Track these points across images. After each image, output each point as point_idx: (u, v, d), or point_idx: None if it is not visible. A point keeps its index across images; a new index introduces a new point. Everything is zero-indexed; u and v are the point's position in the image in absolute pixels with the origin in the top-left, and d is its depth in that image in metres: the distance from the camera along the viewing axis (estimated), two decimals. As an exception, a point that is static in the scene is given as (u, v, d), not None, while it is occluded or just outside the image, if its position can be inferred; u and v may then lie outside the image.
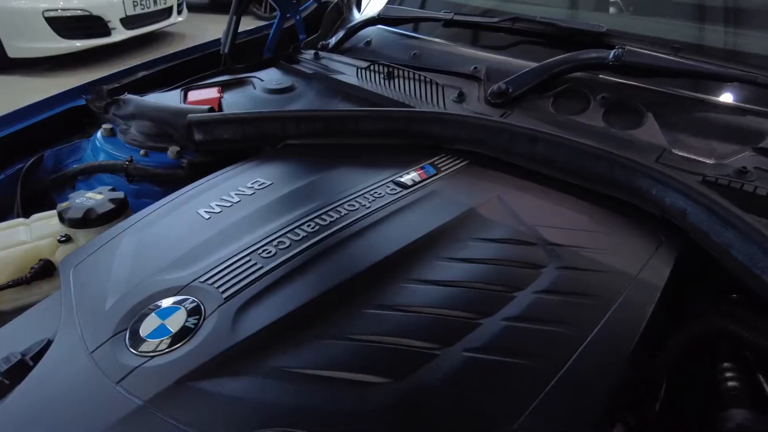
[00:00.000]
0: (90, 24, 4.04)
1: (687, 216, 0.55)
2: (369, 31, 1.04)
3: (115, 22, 4.15)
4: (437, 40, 0.94)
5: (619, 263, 0.51)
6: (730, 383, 0.53)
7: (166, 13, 4.64)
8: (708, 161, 0.64)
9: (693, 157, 0.65)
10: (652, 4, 0.87)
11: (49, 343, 0.48)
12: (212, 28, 5.71)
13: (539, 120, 0.74)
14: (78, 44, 4.02)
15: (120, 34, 4.21)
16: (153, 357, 0.43)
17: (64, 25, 3.92)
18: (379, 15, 1.02)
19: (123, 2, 4.15)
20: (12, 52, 3.90)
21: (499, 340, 0.42)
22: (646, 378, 0.55)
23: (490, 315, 0.45)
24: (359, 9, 1.17)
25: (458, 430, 0.37)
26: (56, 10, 3.85)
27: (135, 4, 4.24)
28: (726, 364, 0.54)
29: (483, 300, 0.46)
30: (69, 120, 0.93)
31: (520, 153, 0.67)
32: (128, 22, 4.25)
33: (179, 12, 4.78)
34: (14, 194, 0.84)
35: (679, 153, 0.66)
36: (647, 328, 0.44)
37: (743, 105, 0.67)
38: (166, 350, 0.43)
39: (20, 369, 0.46)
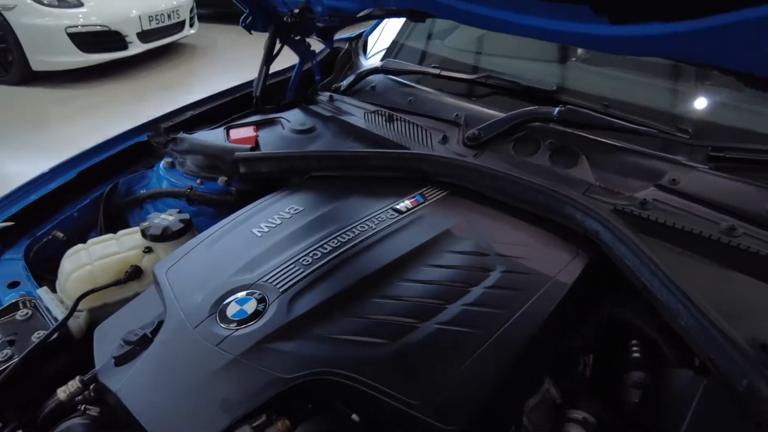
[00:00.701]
0: (108, 39, 4.28)
1: (599, 235, 0.77)
2: (374, 77, 1.27)
3: (132, 37, 4.38)
4: (428, 89, 1.17)
5: (544, 268, 0.73)
6: (635, 354, 0.76)
7: (180, 26, 4.87)
8: (622, 194, 0.87)
9: (612, 190, 0.88)
10: (589, 74, 1.10)
11: (161, 323, 0.71)
12: (221, 38, 5.94)
13: (502, 160, 0.97)
14: (97, 58, 4.26)
15: (136, 48, 4.45)
16: (237, 330, 0.66)
17: (84, 40, 4.16)
18: (381, 66, 1.26)
19: (139, 18, 4.38)
20: (36, 65, 4.15)
21: (457, 318, 0.65)
22: (571, 349, 0.79)
23: (452, 302, 0.68)
24: (365, 54, 1.41)
25: (428, 368, 0.60)
26: (77, 26, 4.09)
27: (150, 19, 4.48)
28: (634, 341, 0.78)
29: (449, 293, 0.69)
30: (135, 153, 1.16)
31: (485, 187, 0.90)
32: (144, 36, 4.49)
33: (191, 25, 5.02)
34: (97, 214, 1.08)
35: (602, 187, 0.89)
36: (556, 311, 0.67)
37: (650, 151, 0.89)
38: (246, 325, 0.66)
39: (144, 340, 0.69)
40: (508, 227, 0.83)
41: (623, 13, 0.62)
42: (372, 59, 1.39)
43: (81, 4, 4.12)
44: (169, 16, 4.66)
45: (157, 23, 4.56)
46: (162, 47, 4.81)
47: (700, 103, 0.98)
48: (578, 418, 0.67)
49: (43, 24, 4.00)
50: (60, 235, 1.01)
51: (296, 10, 1.13)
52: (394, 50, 1.36)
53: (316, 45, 1.39)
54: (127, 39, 4.36)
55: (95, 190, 1.09)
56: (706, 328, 0.60)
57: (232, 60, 4.05)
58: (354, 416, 0.60)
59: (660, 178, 0.86)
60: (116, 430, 0.67)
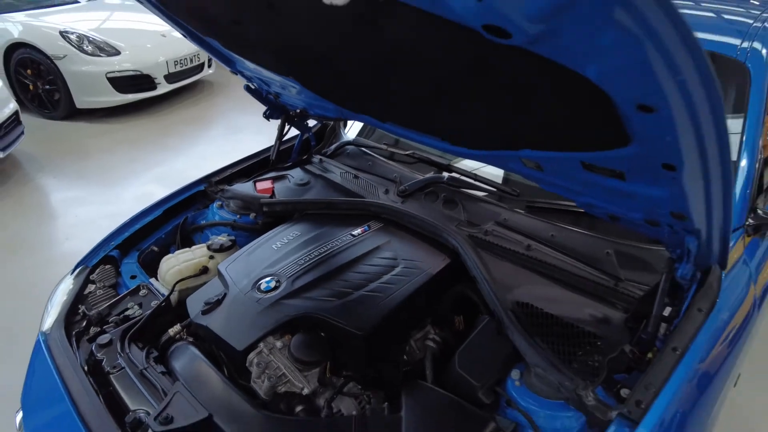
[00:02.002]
0: (140, 81, 5.00)
1: (458, 249, 1.44)
2: (349, 147, 1.96)
3: (160, 79, 5.11)
4: (380, 158, 1.85)
5: (425, 265, 1.40)
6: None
7: (200, 67, 5.61)
8: (477, 226, 1.53)
9: (472, 223, 1.55)
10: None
11: (225, 294, 1.38)
12: (234, 77, 6.68)
13: (417, 205, 1.64)
14: (130, 97, 4.99)
15: (164, 88, 5.18)
16: (265, 295, 1.33)
17: (120, 82, 4.88)
18: (353, 141, 1.95)
19: (166, 62, 5.12)
20: (79, 104, 4.87)
21: (376, 288, 1.31)
22: (443, 312, 1.45)
23: (374, 281, 1.32)
24: (345, 129, 2.10)
25: (357, 311, 1.27)
26: (115, 71, 4.82)
27: (176, 63, 5.21)
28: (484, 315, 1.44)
29: (374, 276, 1.35)
30: (197, 197, 1.84)
31: (404, 221, 1.56)
32: (170, 77, 5.22)
33: (209, 65, 5.75)
34: (175, 236, 1.75)
35: (467, 221, 1.55)
36: (426, 284, 1.33)
37: (494, 202, 1.56)
38: (270, 293, 1.33)
39: (217, 302, 1.36)
40: (411, 243, 1.51)
41: (467, 144, 1.28)
42: (349, 133, 2.09)
43: (118, 53, 4.86)
44: (191, 60, 5.40)
45: (181, 66, 5.29)
46: (185, 86, 5.55)
47: (522, 179, 1.66)
48: (429, 336, 1.34)
49: (88, 70, 4.73)
50: (155, 248, 1.69)
51: (298, 110, 1.83)
52: (364, 131, 2.06)
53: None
54: (156, 81, 5.09)
55: (174, 221, 1.77)
56: (490, 294, 1.27)
57: (243, 97, 4.81)
58: (321, 334, 1.27)
59: (498, 218, 1.53)
60: (200, 343, 1.34)
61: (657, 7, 0.51)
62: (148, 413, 1.11)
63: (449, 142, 1.30)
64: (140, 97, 5.05)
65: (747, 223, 1.41)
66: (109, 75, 4.77)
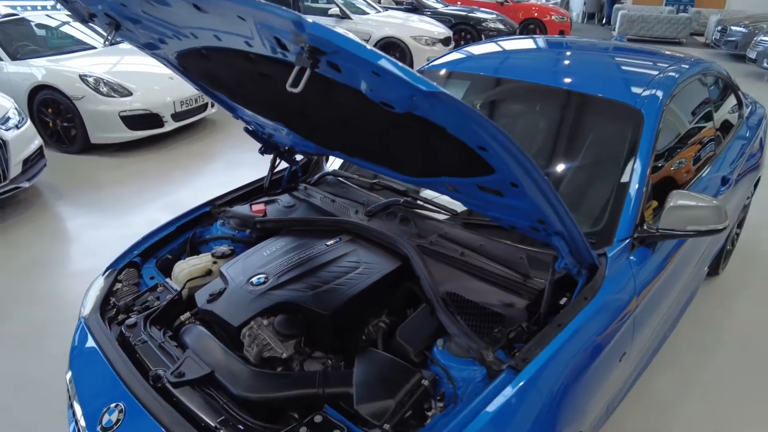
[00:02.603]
0: (149, 119, 5.48)
1: (409, 256, 1.83)
2: (329, 177, 2.38)
3: (167, 117, 5.59)
4: (352, 185, 2.26)
5: (380, 267, 1.78)
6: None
7: (204, 107, 6.10)
8: (425, 238, 1.92)
9: (421, 236, 1.94)
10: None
11: (225, 288, 1.77)
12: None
13: (380, 222, 2.03)
14: (140, 134, 5.45)
15: (170, 126, 5.65)
16: (256, 287, 1.71)
17: (131, 120, 5.36)
18: (332, 172, 2.38)
19: (173, 102, 5.61)
20: (94, 139, 5.33)
21: (341, 283, 1.69)
22: (396, 305, 1.84)
23: (341, 278, 1.71)
24: (327, 162, 2.52)
25: (326, 299, 1.65)
26: (127, 110, 5.30)
27: (182, 103, 5.70)
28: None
29: (340, 274, 1.73)
30: (204, 216, 2.24)
31: (369, 234, 1.96)
32: (177, 116, 5.70)
33: (212, 105, 6.25)
34: (186, 247, 2.15)
35: (418, 234, 1.95)
36: (380, 280, 1.71)
37: (439, 219, 1.96)
38: (260, 286, 1.71)
39: (219, 293, 1.74)
40: (372, 251, 1.90)
41: (409, 174, 1.70)
42: (332, 166, 2.51)
43: (130, 94, 5.35)
44: (195, 101, 5.89)
45: (186, 106, 5.79)
46: (190, 124, 6.04)
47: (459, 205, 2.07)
48: (382, 320, 1.72)
49: (102, 109, 5.20)
50: (169, 256, 2.08)
51: (287, 147, 2.26)
52: (345, 163, 2.49)
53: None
54: (164, 119, 5.57)
55: (185, 235, 2.17)
56: (427, 287, 1.66)
57: (241, 135, 5.29)
58: (300, 317, 1.65)
59: (441, 231, 1.93)
60: (205, 325, 1.71)
61: (453, 102, 0.93)
62: (165, 371, 1.49)
63: (398, 172, 1.73)
64: (149, 133, 5.51)
65: (634, 235, 1.81)
66: (121, 114, 5.25)
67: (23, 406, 2.35)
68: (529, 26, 12.43)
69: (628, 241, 1.79)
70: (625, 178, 1.90)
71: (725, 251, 3.25)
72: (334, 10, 9.19)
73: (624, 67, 2.53)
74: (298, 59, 0.98)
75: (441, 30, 9.30)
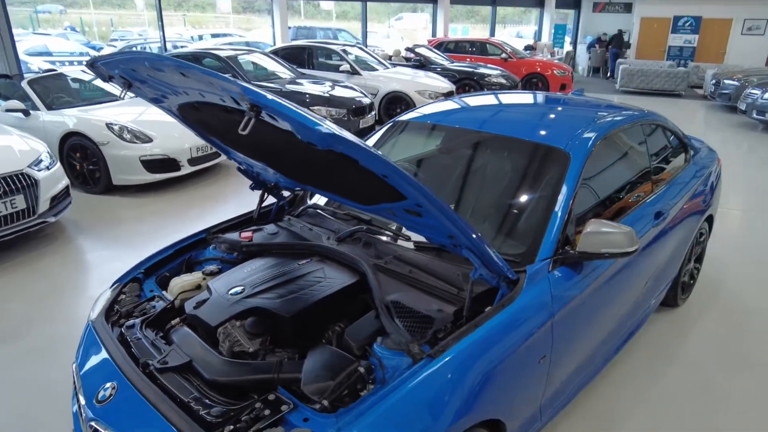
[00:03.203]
0: (167, 163, 5.99)
1: (366, 272, 2.17)
2: (309, 210, 2.76)
3: (184, 162, 6.10)
4: (327, 216, 2.64)
5: (341, 281, 2.11)
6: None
7: (218, 154, 6.63)
8: (381, 258, 2.26)
9: (379, 257, 2.28)
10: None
11: (208, 298, 2.12)
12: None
13: (346, 246, 2.38)
14: (159, 176, 5.95)
15: (186, 170, 6.15)
16: (236, 296, 2.05)
17: (151, 164, 5.87)
18: (311, 205, 2.76)
19: (190, 149, 6.13)
20: (116, 181, 5.83)
21: (306, 292, 2.02)
22: (354, 314, 2.17)
23: (306, 289, 2.05)
24: (311, 197, 2.91)
25: (290, 304, 1.99)
26: (147, 155, 5.82)
27: (198, 149, 6.22)
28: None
29: (307, 286, 2.07)
30: (199, 242, 2.63)
31: (336, 256, 2.31)
32: (192, 161, 6.21)
33: (226, 151, 6.77)
34: (182, 267, 2.52)
35: (375, 255, 2.29)
36: (339, 291, 2.04)
37: (394, 243, 2.30)
38: (238, 294, 2.05)
39: (204, 301, 2.09)
40: (336, 269, 2.24)
41: (358, 201, 2.07)
42: (313, 200, 2.90)
43: (151, 140, 5.88)
44: (210, 147, 6.41)
45: (202, 152, 6.30)
46: (205, 168, 6.55)
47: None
48: (339, 324, 2.04)
49: (125, 154, 5.73)
50: (167, 274, 2.45)
51: (272, 184, 2.67)
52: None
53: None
54: (180, 163, 6.07)
55: (182, 257, 2.55)
56: (376, 297, 1.99)
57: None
58: (267, 320, 1.99)
59: (395, 253, 2.27)
60: (192, 328, 2.06)
61: (349, 140, 1.31)
62: (152, 361, 1.83)
63: (353, 201, 2.10)
64: (167, 176, 6.01)
65: (554, 256, 2.13)
66: (142, 158, 5.77)
67: (41, 408, 2.69)
68: (532, 80, 13.03)
69: (548, 260, 2.11)
70: (550, 209, 2.24)
71: (680, 283, 3.50)
72: (345, 66, 9.87)
73: (564, 117, 2.91)
74: (246, 112, 1.38)
75: (444, 85, 9.88)
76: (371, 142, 3.09)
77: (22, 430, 2.56)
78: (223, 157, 6.70)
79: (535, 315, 1.98)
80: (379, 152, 1.41)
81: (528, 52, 15.78)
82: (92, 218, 5.21)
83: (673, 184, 3.11)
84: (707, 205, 3.47)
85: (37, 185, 4.28)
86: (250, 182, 2.75)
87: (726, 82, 11.31)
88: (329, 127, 1.31)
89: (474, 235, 1.69)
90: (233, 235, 2.61)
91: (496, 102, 3.33)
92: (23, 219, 4.22)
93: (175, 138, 6.06)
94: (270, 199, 2.82)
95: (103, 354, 1.91)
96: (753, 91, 9.45)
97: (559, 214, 2.22)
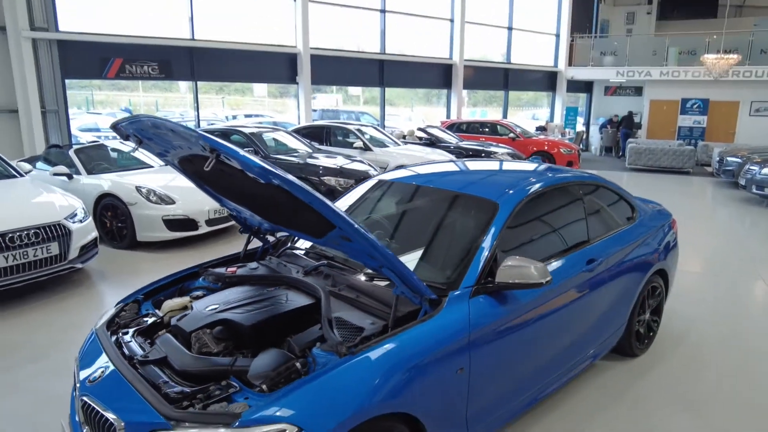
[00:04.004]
0: (187, 223, 6.63)
1: (321, 296, 2.60)
2: (288, 251, 3.25)
3: (202, 222, 6.73)
4: (301, 255, 3.11)
5: (298, 303, 2.53)
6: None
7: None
8: (336, 286, 2.70)
9: (335, 284, 2.71)
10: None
11: (189, 313, 2.58)
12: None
13: (311, 278, 2.83)
14: (178, 234, 6.57)
15: (204, 229, 6.77)
16: (216, 312, 2.51)
17: (172, 223, 6.52)
18: (290, 247, 3.26)
19: (208, 211, 6.78)
20: (140, 237, 6.48)
21: (268, 308, 2.45)
22: (306, 325, 2.59)
23: (269, 307, 2.50)
24: (293, 243, 3.41)
25: (254, 318, 2.43)
26: (169, 215, 6.49)
27: (215, 212, 6.87)
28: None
29: (270, 304, 2.53)
30: (192, 275, 3.12)
31: (298, 285, 2.76)
32: (210, 222, 6.85)
33: (242, 214, 7.42)
34: (176, 294, 3.01)
35: (332, 284, 2.71)
36: (290, 312, 2.46)
37: (350, 274, 2.74)
38: (219, 311, 2.51)
39: (184, 315, 2.56)
40: (297, 294, 2.69)
41: (312, 235, 2.56)
42: (292, 243, 3.40)
43: (174, 202, 6.57)
44: (226, 210, 7.06)
45: (219, 215, 6.94)
46: (221, 228, 7.17)
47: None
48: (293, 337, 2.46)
49: (150, 213, 6.41)
50: (162, 298, 2.94)
51: (257, 228, 3.19)
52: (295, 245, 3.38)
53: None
54: (199, 224, 6.70)
55: (177, 286, 3.04)
56: (324, 315, 2.41)
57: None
58: (232, 329, 2.43)
59: (348, 282, 2.71)
60: (174, 336, 2.50)
61: (278, 173, 1.82)
62: (137, 356, 2.28)
63: (310, 236, 2.59)
64: (185, 235, 6.64)
65: (475, 285, 2.53)
66: (164, 217, 6.44)
67: (57, 414, 3.11)
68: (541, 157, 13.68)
69: (470, 288, 2.52)
70: (477, 246, 2.67)
71: (634, 333, 3.77)
72: (359, 143, 10.71)
73: (503, 177, 3.41)
74: (209, 155, 1.93)
75: (446, 159, 10.57)
76: (358, 192, 3.62)
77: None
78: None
79: (453, 330, 2.36)
80: (306, 186, 1.92)
81: (539, 132, 16.57)
82: (115, 268, 5.80)
83: (613, 237, 3.50)
84: (655, 260, 3.81)
85: (70, 235, 4.92)
86: (239, 227, 3.28)
87: (729, 159, 11.69)
88: (263, 163, 1.84)
89: (390, 256, 2.15)
90: (221, 270, 3.11)
91: (456, 167, 3.88)
92: (55, 263, 4.83)
93: (196, 201, 6.73)
94: (257, 243, 3.34)
95: (100, 351, 2.37)
96: (752, 167, 9.80)
97: (485, 250, 2.65)
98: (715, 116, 17.28)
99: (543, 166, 3.81)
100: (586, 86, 20.85)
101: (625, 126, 18.11)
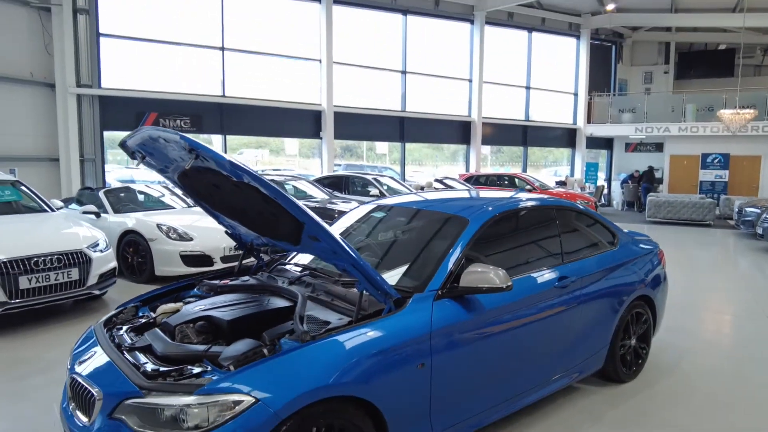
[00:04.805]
0: (203, 259, 6.95)
1: (299, 299, 2.81)
2: (279, 267, 3.50)
3: (217, 258, 7.05)
4: (291, 269, 3.36)
5: (277, 305, 2.76)
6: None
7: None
8: (315, 291, 2.92)
9: (313, 291, 2.92)
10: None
11: (178, 310, 2.83)
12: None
13: (294, 286, 3.05)
14: (193, 270, 6.89)
15: (218, 265, 7.06)
16: (205, 310, 2.75)
17: (189, 259, 6.86)
18: (279, 263, 3.51)
19: (224, 248, 7.12)
20: (158, 271, 6.82)
21: (248, 309, 2.70)
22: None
23: (251, 306, 2.73)
24: (285, 261, 3.67)
25: (235, 314, 2.65)
26: (187, 251, 6.85)
27: (231, 249, 7.20)
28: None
29: (253, 306, 2.75)
30: (189, 286, 3.39)
31: (281, 291, 2.98)
32: (225, 258, 7.15)
33: (256, 254, 7.74)
34: (173, 300, 3.26)
35: (312, 290, 2.94)
36: (267, 311, 2.68)
37: (330, 282, 2.96)
38: (209, 311, 2.75)
39: (174, 312, 2.81)
40: (280, 298, 2.91)
41: (291, 242, 2.81)
42: (294, 260, 3.65)
43: (191, 239, 6.94)
44: (242, 248, 7.40)
45: (234, 252, 7.26)
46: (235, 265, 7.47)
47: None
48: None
49: (168, 249, 6.78)
50: (158, 304, 3.20)
51: (250, 244, 3.46)
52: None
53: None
54: (214, 260, 7.02)
55: (173, 295, 3.30)
56: (298, 313, 2.62)
57: (271, 274, 6.57)
58: (212, 324, 2.65)
59: (325, 288, 2.93)
60: (162, 331, 2.74)
61: (246, 169, 2.11)
62: (126, 344, 2.52)
63: (288, 243, 2.84)
64: (200, 270, 6.93)
65: (441, 289, 2.71)
66: (181, 253, 6.79)
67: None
68: (557, 208, 13.77)
69: (435, 291, 2.70)
70: (444, 255, 2.87)
71: (619, 358, 3.80)
72: (374, 191, 11.11)
73: (478, 200, 3.65)
74: (189, 155, 2.24)
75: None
76: (361, 211, 3.92)
77: None
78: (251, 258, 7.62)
79: (414, 327, 2.53)
80: (274, 184, 2.20)
81: (558, 185, 16.74)
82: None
83: (590, 260, 3.63)
84: (638, 286, 3.89)
85: (90, 262, 5.29)
86: (234, 243, 3.57)
87: (748, 209, 11.58)
88: (233, 160, 2.14)
89: (354, 255, 2.37)
90: (215, 281, 3.37)
91: (441, 195, 4.13)
92: (74, 288, 5.17)
93: (213, 239, 7.08)
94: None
95: (93, 342, 2.63)
96: (768, 216, 9.71)
97: (452, 258, 2.84)
98: (737, 170, 17.18)
99: (521, 193, 4.03)
100: (607, 143, 21.09)
101: (646, 181, 18.12)
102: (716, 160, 17.42)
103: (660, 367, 4.22)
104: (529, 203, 3.52)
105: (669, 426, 3.33)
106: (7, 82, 10.27)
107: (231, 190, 2.67)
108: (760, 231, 9.99)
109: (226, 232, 3.57)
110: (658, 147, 19.63)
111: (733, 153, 17.21)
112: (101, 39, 11.30)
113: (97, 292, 5.42)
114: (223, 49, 13.04)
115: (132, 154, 2.98)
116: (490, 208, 3.22)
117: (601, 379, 3.89)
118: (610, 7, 17.70)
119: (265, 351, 2.31)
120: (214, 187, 2.81)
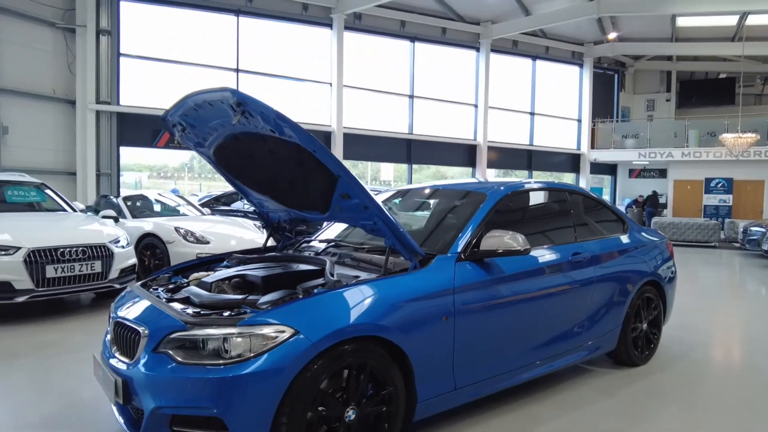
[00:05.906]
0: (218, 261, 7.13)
1: (327, 264, 2.96)
2: (303, 245, 3.66)
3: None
4: (318, 245, 3.53)
5: (306, 268, 2.93)
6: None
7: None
8: (341, 256, 3.07)
9: (340, 257, 3.08)
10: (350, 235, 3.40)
11: (212, 274, 2.98)
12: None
13: (321, 256, 3.22)
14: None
15: (232, 269, 7.25)
16: (229, 270, 2.91)
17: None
18: (303, 240, 3.68)
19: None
20: (174, 274, 6.99)
21: (281, 270, 2.85)
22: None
23: (282, 269, 2.89)
24: (314, 238, 3.83)
25: (271, 273, 2.81)
26: (203, 253, 7.00)
27: (244, 254, 7.37)
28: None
29: (284, 268, 2.91)
30: (218, 260, 3.54)
31: (309, 259, 3.15)
32: (238, 263, 7.33)
33: (269, 260, 7.90)
34: (202, 269, 3.42)
35: (338, 256, 3.09)
36: (297, 272, 2.86)
37: (353, 250, 3.12)
38: (237, 271, 2.91)
39: (208, 275, 2.96)
40: (308, 265, 3.07)
41: (319, 210, 2.99)
42: (318, 238, 3.81)
43: (208, 242, 7.09)
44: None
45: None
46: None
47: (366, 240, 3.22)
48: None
49: (185, 251, 6.91)
50: (190, 274, 3.35)
51: (277, 223, 3.63)
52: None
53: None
54: (228, 263, 7.20)
55: (204, 267, 3.46)
56: (327, 270, 2.78)
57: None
58: (247, 281, 2.80)
59: (352, 256, 3.08)
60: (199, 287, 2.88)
61: (294, 125, 2.30)
62: (164, 295, 2.67)
63: (317, 212, 3.01)
64: (215, 273, 7.09)
65: (462, 251, 2.86)
66: (198, 255, 6.94)
67: (92, 400, 3.44)
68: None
69: (457, 254, 2.85)
70: (466, 223, 3.03)
71: (631, 340, 3.90)
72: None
73: (495, 182, 3.83)
74: (235, 109, 2.43)
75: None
76: (383, 196, 4.11)
77: (84, 420, 3.31)
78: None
79: (438, 282, 2.68)
80: (312, 136, 2.39)
81: (563, 207, 16.92)
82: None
83: (602, 241, 3.78)
84: (648, 271, 4.02)
85: (112, 257, 5.45)
86: (260, 224, 3.74)
87: (753, 229, 11.70)
88: (279, 111, 2.33)
89: (383, 210, 2.54)
90: (242, 255, 3.52)
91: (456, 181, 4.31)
92: (96, 281, 5.32)
93: (229, 243, 7.24)
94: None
95: (133, 296, 2.78)
96: (772, 234, 9.83)
97: (472, 226, 3.00)
98: (741, 195, 17.35)
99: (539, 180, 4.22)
100: (611, 168, 21.35)
101: (650, 205, 18.29)
102: (720, 185, 17.63)
103: (671, 356, 4.31)
104: (544, 186, 3.70)
105: (681, 401, 3.41)
106: (31, 99, 10.64)
107: (265, 157, 2.86)
108: (765, 248, 10.09)
109: (254, 212, 3.74)
110: (662, 173, 19.87)
111: (736, 177, 17.42)
112: (121, 59, 11.73)
113: (117, 286, 5.56)
114: (237, 70, 13.48)
115: (173, 126, 3.17)
116: (506, 187, 3.40)
117: (615, 363, 3.97)
118: (612, 36, 18.22)
119: (299, 295, 2.46)
120: (249, 157, 2.99)
